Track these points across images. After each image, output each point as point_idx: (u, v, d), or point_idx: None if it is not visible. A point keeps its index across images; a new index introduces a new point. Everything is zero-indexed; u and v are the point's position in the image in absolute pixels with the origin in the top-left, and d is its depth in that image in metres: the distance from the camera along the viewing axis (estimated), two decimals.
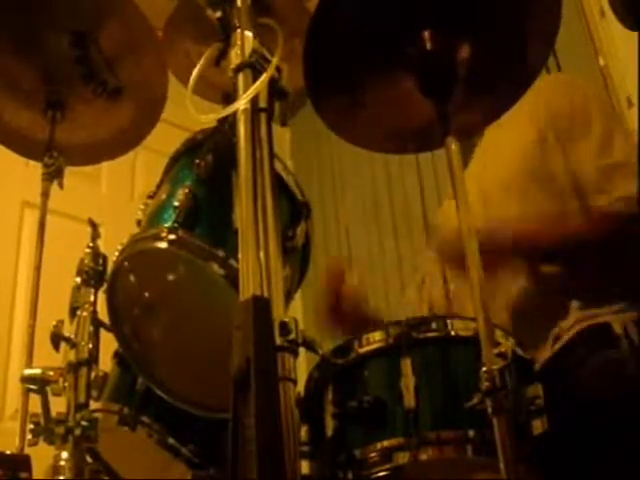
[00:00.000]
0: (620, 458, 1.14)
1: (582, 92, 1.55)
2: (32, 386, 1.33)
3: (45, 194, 1.63)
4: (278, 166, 1.14)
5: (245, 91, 1.02)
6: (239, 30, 1.11)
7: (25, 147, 1.73)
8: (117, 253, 1.27)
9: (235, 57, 1.08)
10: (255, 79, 1.04)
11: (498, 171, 1.58)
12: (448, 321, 1.11)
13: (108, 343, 1.37)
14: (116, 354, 1.48)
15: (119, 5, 1.57)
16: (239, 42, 1.09)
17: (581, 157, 1.45)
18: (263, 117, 1.03)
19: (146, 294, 1.33)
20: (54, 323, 1.35)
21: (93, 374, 1.33)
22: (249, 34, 1.10)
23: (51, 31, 1.60)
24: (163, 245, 1.20)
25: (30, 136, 1.69)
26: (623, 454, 1.14)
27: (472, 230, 1.04)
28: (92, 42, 1.59)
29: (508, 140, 1.55)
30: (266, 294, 0.87)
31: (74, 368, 1.32)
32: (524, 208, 1.49)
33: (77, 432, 1.25)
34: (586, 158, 1.45)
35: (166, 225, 1.21)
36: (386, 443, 1.02)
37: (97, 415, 1.35)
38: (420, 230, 2.84)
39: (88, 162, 1.88)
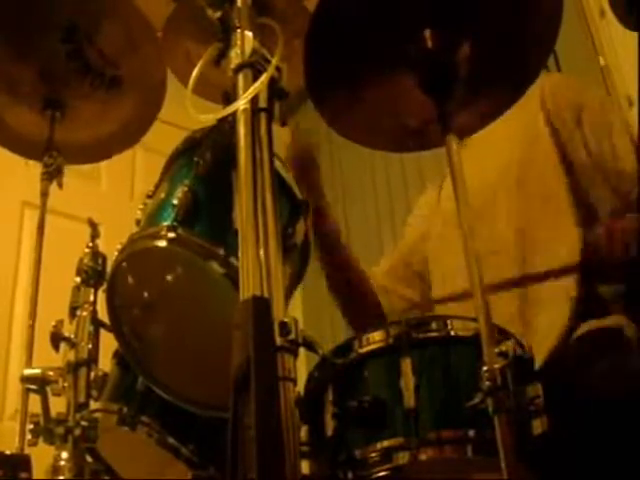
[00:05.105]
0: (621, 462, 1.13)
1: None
2: (32, 386, 1.33)
3: (45, 194, 1.63)
4: (277, 164, 1.14)
5: (245, 91, 1.02)
6: (239, 30, 1.10)
7: (29, 149, 1.72)
8: (117, 253, 1.27)
9: (235, 57, 1.07)
10: (255, 79, 1.04)
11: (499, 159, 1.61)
12: (448, 321, 1.10)
13: (108, 343, 1.37)
14: (116, 354, 1.47)
15: None
16: (239, 42, 1.09)
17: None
18: (263, 117, 1.03)
19: (146, 293, 1.33)
20: (54, 323, 1.35)
21: (93, 374, 1.33)
22: (249, 34, 1.10)
23: (45, 29, 1.59)
24: (162, 244, 1.19)
25: (33, 137, 1.68)
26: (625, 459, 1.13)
27: (472, 230, 1.04)
28: (85, 35, 1.59)
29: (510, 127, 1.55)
30: (266, 294, 0.87)
31: (74, 368, 1.32)
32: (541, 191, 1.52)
33: (77, 432, 1.25)
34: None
35: (165, 223, 1.21)
36: (386, 443, 1.02)
37: (97, 415, 1.35)
38: None
39: (92, 160, 1.88)
